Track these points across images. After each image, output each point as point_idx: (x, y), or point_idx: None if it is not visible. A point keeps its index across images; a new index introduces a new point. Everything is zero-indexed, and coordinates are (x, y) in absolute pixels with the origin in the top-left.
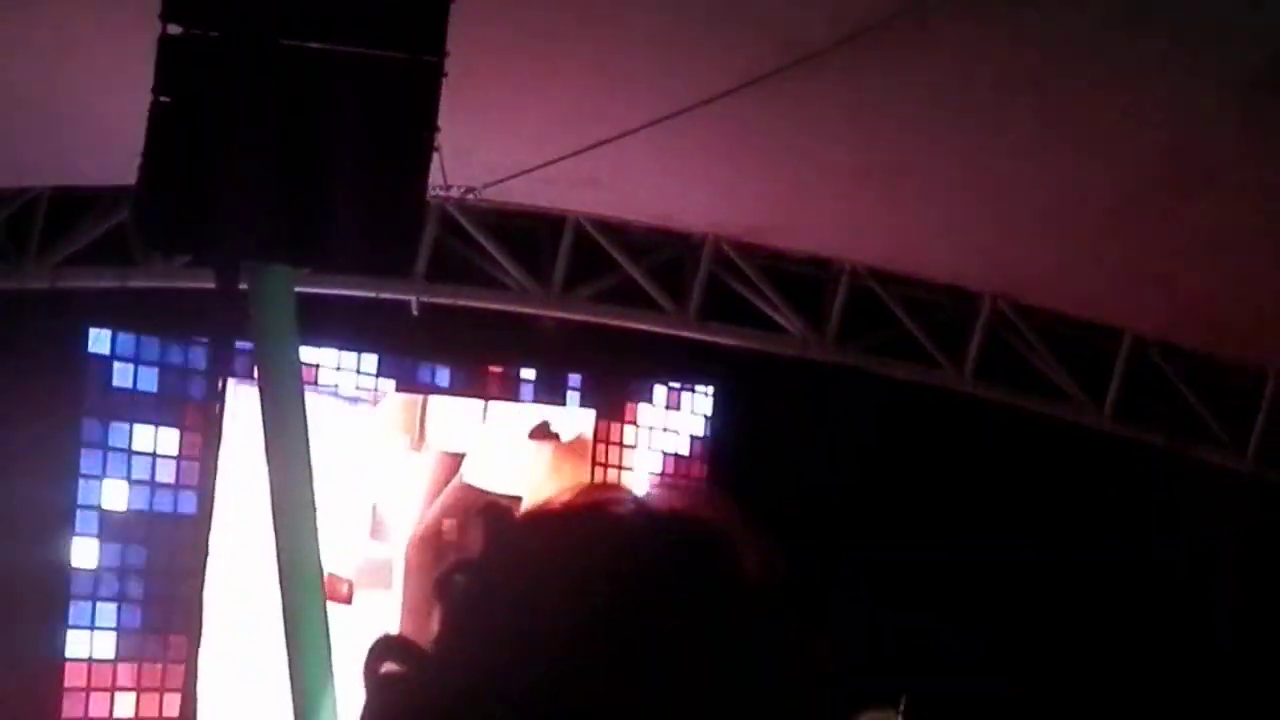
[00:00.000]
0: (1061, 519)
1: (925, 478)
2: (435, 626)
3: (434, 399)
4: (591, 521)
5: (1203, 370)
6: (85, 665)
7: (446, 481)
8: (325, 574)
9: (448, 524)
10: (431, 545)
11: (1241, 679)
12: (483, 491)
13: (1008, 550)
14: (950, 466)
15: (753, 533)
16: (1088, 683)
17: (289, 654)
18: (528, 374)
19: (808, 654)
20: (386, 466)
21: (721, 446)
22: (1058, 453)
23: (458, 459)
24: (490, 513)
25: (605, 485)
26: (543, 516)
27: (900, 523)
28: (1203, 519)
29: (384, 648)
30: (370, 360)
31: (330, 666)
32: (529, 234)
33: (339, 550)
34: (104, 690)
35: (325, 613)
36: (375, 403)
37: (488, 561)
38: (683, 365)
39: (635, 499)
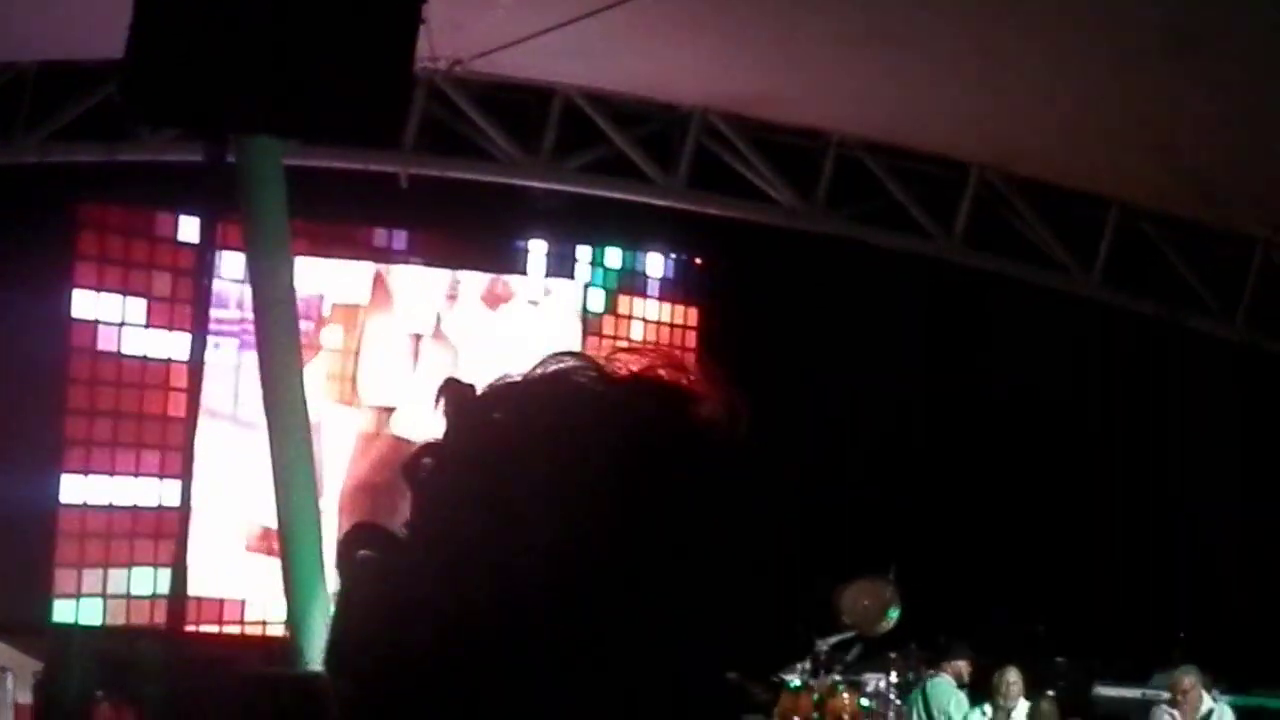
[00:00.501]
0: (1051, 386)
1: (915, 346)
2: (406, 512)
3: (365, 352)
4: (554, 390)
5: (1193, 239)
6: (80, 512)
7: (377, 435)
8: (261, 527)
9: (379, 476)
10: (365, 495)
11: (1227, 535)
12: (410, 443)
13: (996, 415)
14: (939, 334)
15: (717, 390)
16: (1080, 552)
17: (282, 554)
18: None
19: (777, 508)
20: (317, 419)
21: (709, 317)
22: (1048, 320)
23: (388, 413)
24: (451, 390)
25: (564, 354)
26: (505, 390)
27: (890, 390)
28: (1192, 385)
29: (358, 535)
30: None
31: (323, 566)
32: (517, 106)
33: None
34: (99, 536)
35: (318, 510)
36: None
37: (454, 439)
38: (669, 237)
39: (595, 365)
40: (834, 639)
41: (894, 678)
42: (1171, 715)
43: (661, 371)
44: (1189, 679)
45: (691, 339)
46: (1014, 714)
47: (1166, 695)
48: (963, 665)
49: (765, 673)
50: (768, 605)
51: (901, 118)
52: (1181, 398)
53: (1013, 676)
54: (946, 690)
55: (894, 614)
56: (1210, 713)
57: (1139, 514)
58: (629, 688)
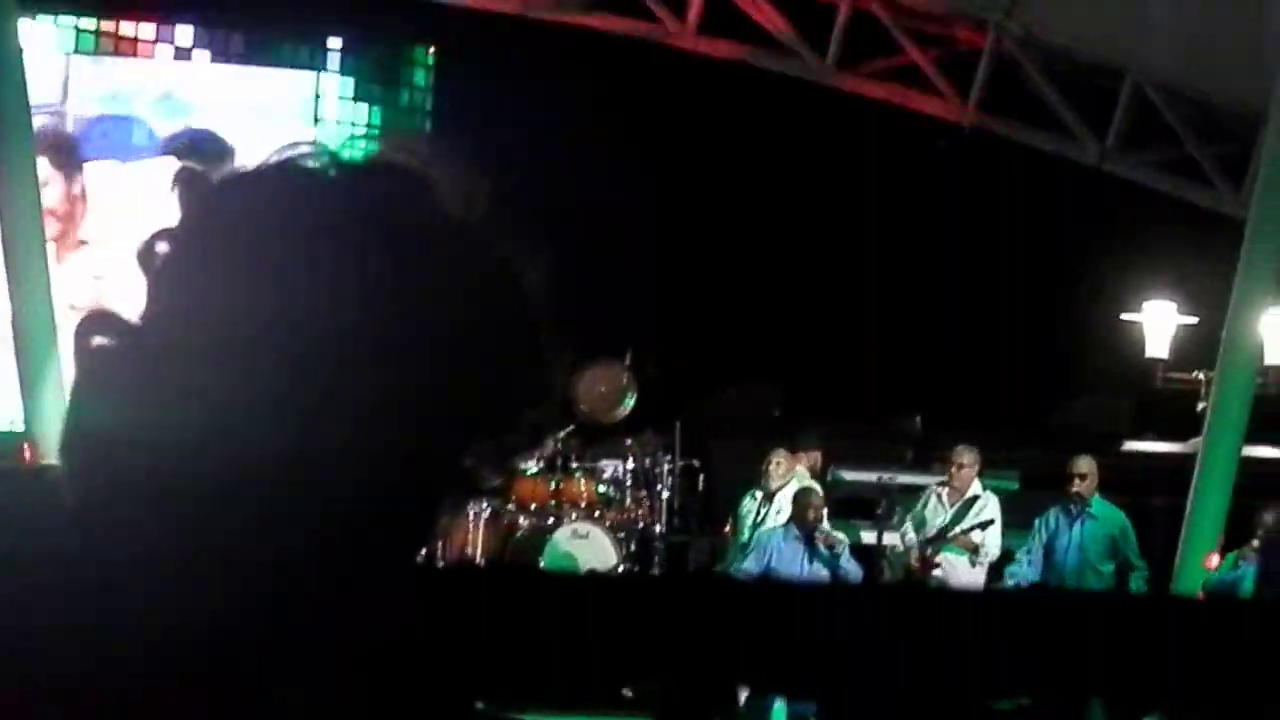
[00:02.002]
0: (783, 175)
1: (650, 133)
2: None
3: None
4: (287, 174)
5: (923, 24)
6: None
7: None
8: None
9: None
10: None
11: None
12: None
13: (734, 204)
14: (672, 122)
15: (451, 169)
16: (824, 335)
17: (17, 350)
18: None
19: (516, 288)
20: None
21: (444, 103)
22: (780, 109)
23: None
24: (184, 176)
25: (298, 141)
26: (239, 176)
27: (627, 179)
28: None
29: (92, 322)
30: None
31: (59, 359)
32: None
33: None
34: None
35: (52, 303)
36: None
37: (188, 225)
38: (395, 24)
39: (328, 150)
40: (571, 426)
41: (631, 464)
42: (939, 494)
43: (396, 155)
44: (969, 455)
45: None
46: (778, 497)
47: (900, 480)
48: (816, 455)
49: (500, 461)
50: (505, 391)
51: None
52: (910, 184)
53: (779, 459)
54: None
55: (630, 400)
56: (976, 498)
57: (874, 297)
58: (362, 465)
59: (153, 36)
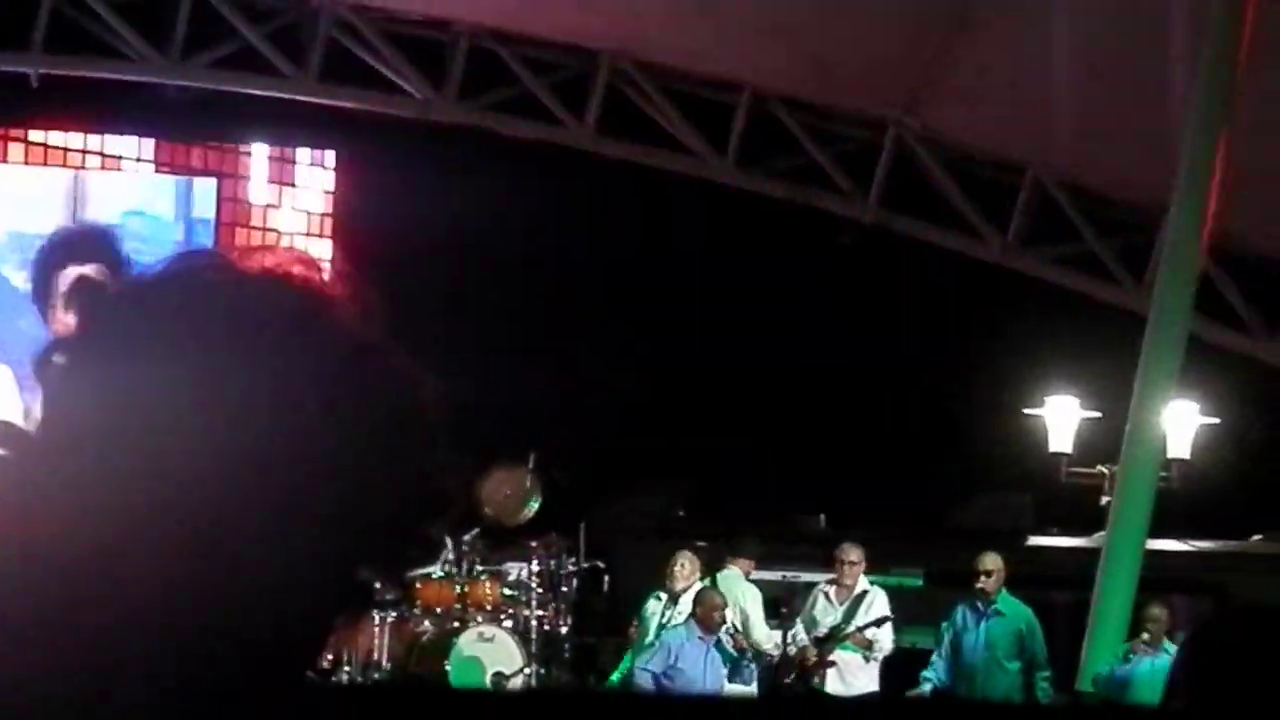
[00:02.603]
0: (688, 273)
1: (552, 235)
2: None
3: None
4: (187, 288)
5: (823, 122)
6: None
7: None
8: None
9: None
10: None
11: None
12: None
13: (638, 303)
14: (576, 224)
15: (350, 288)
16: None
17: None
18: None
19: (412, 402)
20: None
21: (347, 209)
22: (684, 207)
23: None
24: (82, 286)
25: (196, 251)
26: (138, 288)
27: (531, 280)
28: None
29: None
30: None
31: None
32: (146, 3)
33: None
34: None
35: None
36: None
37: (86, 338)
38: (304, 130)
39: (227, 263)
40: (475, 529)
41: (536, 566)
42: (826, 593)
43: (294, 269)
44: (856, 552)
45: (329, 229)
46: (683, 599)
47: (805, 579)
48: (751, 560)
49: (397, 573)
50: (403, 506)
51: (528, 4)
52: (813, 280)
53: (683, 561)
54: (737, 582)
55: (535, 503)
56: (865, 593)
57: (776, 396)
58: (256, 581)
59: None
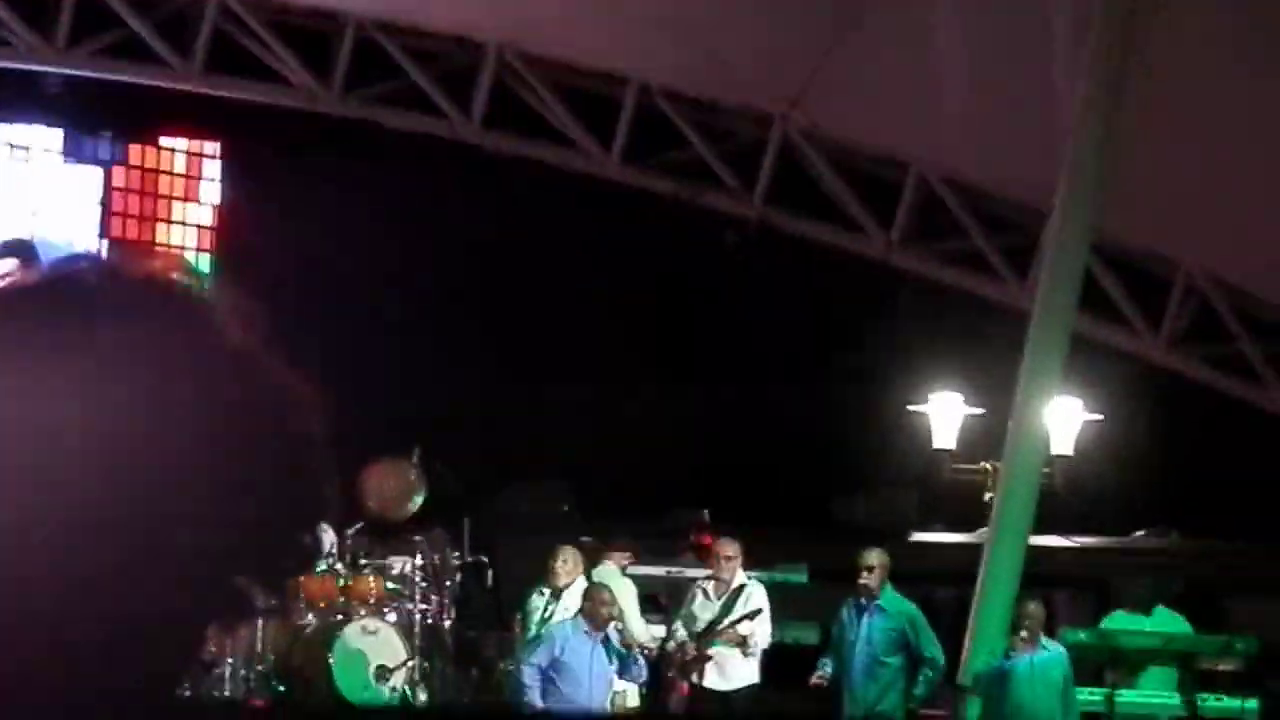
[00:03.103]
0: (574, 266)
1: (437, 228)
2: None
3: None
4: (62, 296)
5: (710, 118)
6: None
7: None
8: None
9: None
10: None
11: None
12: None
13: (523, 299)
14: (461, 217)
15: (230, 296)
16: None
17: None
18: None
19: (292, 408)
20: None
21: (234, 201)
22: (568, 201)
23: None
24: None
25: (76, 256)
26: (13, 292)
27: (416, 273)
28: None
29: None
30: None
31: None
32: None
33: None
34: None
35: None
36: None
37: None
38: (191, 121)
39: (107, 268)
40: (359, 524)
41: (420, 560)
42: (704, 589)
43: (175, 275)
44: (732, 547)
45: (216, 219)
46: (565, 594)
47: (690, 574)
48: (627, 553)
49: (275, 578)
50: (280, 514)
51: None
52: (699, 276)
53: (566, 556)
54: (612, 577)
55: (419, 498)
56: (743, 587)
57: (661, 391)
58: (130, 588)
59: None
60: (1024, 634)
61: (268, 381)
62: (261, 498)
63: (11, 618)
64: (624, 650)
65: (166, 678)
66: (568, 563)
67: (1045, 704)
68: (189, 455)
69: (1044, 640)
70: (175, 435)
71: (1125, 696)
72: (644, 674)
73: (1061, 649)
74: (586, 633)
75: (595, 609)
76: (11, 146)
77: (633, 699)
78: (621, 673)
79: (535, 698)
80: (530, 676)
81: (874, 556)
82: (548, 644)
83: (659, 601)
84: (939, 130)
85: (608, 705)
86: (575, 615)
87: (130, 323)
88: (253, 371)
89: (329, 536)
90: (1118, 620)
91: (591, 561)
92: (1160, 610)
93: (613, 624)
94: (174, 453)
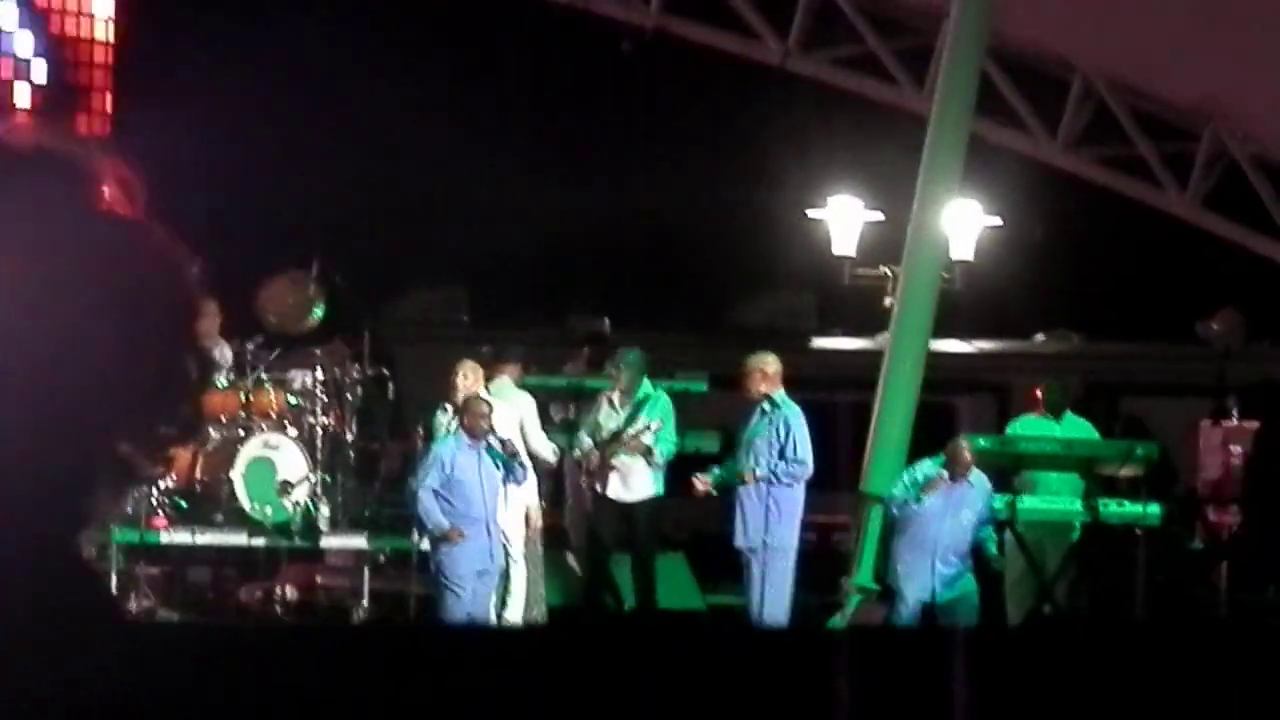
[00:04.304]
0: (470, 75)
1: (334, 38)
2: None
3: None
4: None
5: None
6: None
7: None
8: None
9: None
10: None
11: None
12: None
13: (420, 111)
14: (356, 30)
15: (114, 162)
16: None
17: None
18: None
19: (173, 281)
20: None
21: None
22: (462, 8)
23: None
24: None
25: None
26: None
27: (317, 87)
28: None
29: None
30: None
31: None
32: None
33: None
34: None
35: None
36: None
37: None
38: None
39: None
40: (259, 338)
41: (320, 374)
42: (610, 399)
43: (59, 143)
44: (634, 356)
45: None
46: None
47: (590, 384)
48: (518, 366)
49: (157, 451)
50: (163, 382)
51: None
52: (594, 86)
53: (465, 370)
54: (508, 390)
55: (318, 310)
56: (647, 398)
57: (558, 198)
58: (18, 453)
59: None
60: (945, 473)
61: (154, 251)
62: (149, 364)
63: None
64: (506, 456)
65: (59, 540)
66: (467, 377)
67: (958, 538)
68: (74, 323)
69: (972, 474)
70: (60, 303)
71: (1026, 503)
72: (526, 476)
73: (986, 484)
74: (469, 445)
75: (474, 421)
76: None
77: (535, 512)
78: (505, 479)
79: (439, 519)
80: (429, 499)
81: (762, 360)
82: (436, 465)
83: (565, 411)
84: None
85: (500, 509)
86: (456, 430)
87: (14, 194)
88: (138, 241)
89: (228, 351)
90: (1027, 425)
91: (488, 376)
92: (1069, 416)
93: (492, 432)
94: (59, 320)
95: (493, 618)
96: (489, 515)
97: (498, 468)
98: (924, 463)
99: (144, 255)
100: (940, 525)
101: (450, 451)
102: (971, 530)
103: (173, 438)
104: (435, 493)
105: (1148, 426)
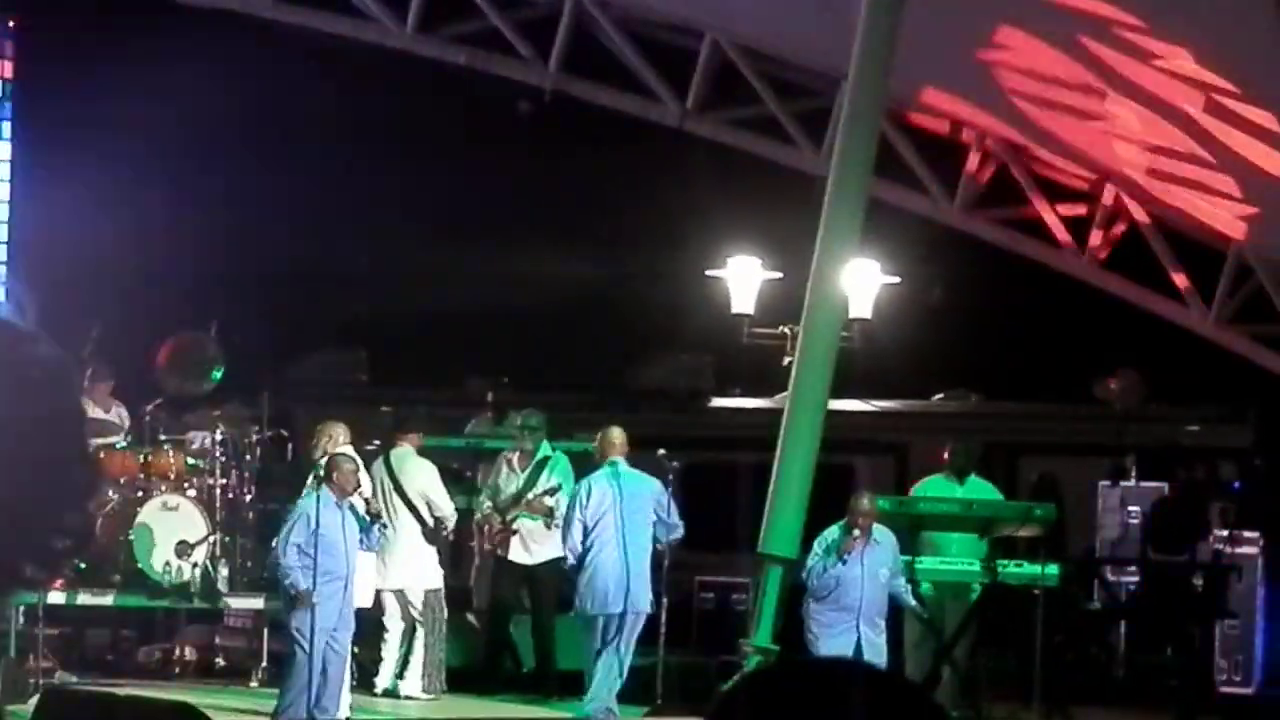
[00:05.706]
0: (367, 137)
1: (236, 101)
2: None
3: None
4: None
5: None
6: None
7: None
8: None
9: None
10: None
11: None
12: None
13: (319, 171)
14: (258, 90)
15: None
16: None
17: None
18: None
19: (67, 389)
20: None
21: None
22: (361, 70)
23: None
24: None
25: None
26: None
27: (216, 145)
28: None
29: None
30: None
31: None
32: None
33: None
34: None
35: None
36: None
37: None
38: None
39: None
40: (158, 399)
41: (219, 435)
42: (509, 460)
43: None
44: (536, 418)
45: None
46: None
47: (489, 445)
48: (420, 433)
49: (50, 561)
50: (55, 493)
51: None
52: (493, 146)
53: (332, 430)
54: (409, 459)
55: (217, 372)
56: (547, 458)
57: (456, 260)
58: None
59: None
60: (856, 533)
61: (47, 364)
62: (41, 475)
63: None
64: (365, 519)
65: None
66: (334, 438)
67: (878, 596)
68: None
69: (875, 531)
70: None
71: (925, 564)
72: (378, 543)
73: (891, 536)
74: (336, 503)
75: (344, 478)
76: None
77: (435, 580)
78: (362, 541)
79: (297, 577)
80: (292, 557)
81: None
82: (302, 519)
83: (463, 474)
84: None
85: (357, 568)
86: (320, 486)
87: None
88: (30, 354)
89: (124, 412)
90: (933, 486)
91: (389, 445)
92: (972, 478)
93: (359, 491)
94: None
95: (390, 684)
96: (349, 573)
97: (360, 529)
98: (829, 530)
99: (35, 367)
100: (863, 587)
101: (315, 508)
102: (887, 586)
103: (68, 549)
104: (299, 549)
105: (1045, 487)
